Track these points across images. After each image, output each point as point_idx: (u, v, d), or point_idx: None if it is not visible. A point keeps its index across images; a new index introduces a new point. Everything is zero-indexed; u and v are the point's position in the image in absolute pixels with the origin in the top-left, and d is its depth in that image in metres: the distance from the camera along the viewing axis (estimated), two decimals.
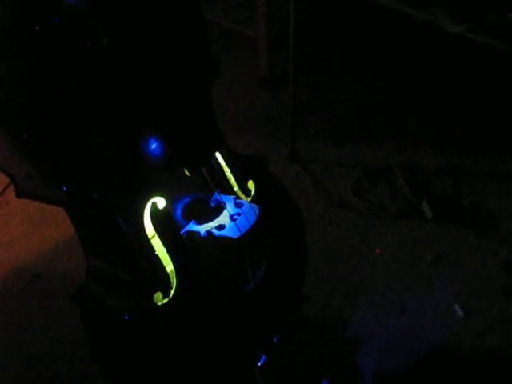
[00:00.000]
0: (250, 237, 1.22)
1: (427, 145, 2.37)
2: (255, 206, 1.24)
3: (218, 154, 1.28)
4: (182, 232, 1.22)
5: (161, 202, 1.17)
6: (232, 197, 1.26)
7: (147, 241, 1.17)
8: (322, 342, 1.78)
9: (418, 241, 2.06)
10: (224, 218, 1.23)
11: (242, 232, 1.20)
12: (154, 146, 1.14)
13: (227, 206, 1.24)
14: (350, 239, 2.05)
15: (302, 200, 2.17)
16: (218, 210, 1.24)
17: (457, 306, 1.87)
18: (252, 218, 1.22)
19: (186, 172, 1.17)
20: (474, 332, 1.80)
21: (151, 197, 1.16)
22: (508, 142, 2.37)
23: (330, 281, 1.93)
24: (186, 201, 1.24)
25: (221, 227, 1.21)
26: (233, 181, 1.31)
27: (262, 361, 1.48)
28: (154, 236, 1.18)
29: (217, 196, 1.25)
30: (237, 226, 1.20)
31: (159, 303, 1.19)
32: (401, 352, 1.77)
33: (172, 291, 1.20)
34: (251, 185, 1.34)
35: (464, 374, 1.74)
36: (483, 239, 2.05)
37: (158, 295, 1.18)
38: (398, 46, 2.68)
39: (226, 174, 1.30)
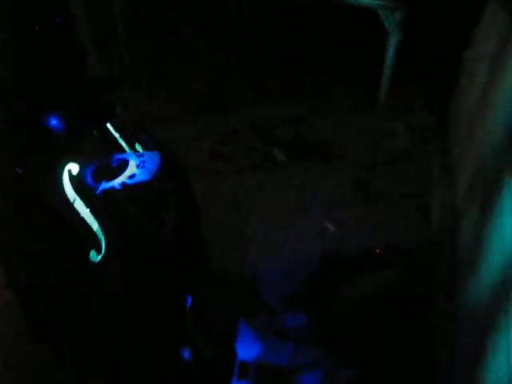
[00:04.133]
0: (159, 179, 1.37)
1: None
2: (155, 152, 1.40)
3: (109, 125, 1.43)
4: (98, 192, 1.34)
5: (75, 169, 1.30)
6: (130, 152, 1.41)
7: (70, 205, 1.29)
8: (229, 285, 1.95)
9: (279, 182, 2.33)
10: (131, 169, 1.37)
11: (152, 173, 1.35)
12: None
13: (130, 159, 1.38)
14: (222, 197, 2.26)
15: None
16: (123, 165, 1.38)
17: (328, 224, 2.16)
18: (156, 160, 1.37)
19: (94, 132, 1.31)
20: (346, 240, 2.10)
21: (66, 164, 1.28)
22: (331, 87, 2.78)
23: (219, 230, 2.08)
24: (92, 167, 1.36)
25: (132, 176, 1.35)
26: (124, 144, 1.46)
27: (188, 302, 1.63)
28: (75, 200, 1.30)
29: (117, 156, 1.39)
30: (146, 169, 1.36)
31: (95, 260, 1.30)
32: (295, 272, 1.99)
33: (103, 247, 1.32)
34: (139, 147, 1.49)
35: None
36: (333, 165, 2.39)
37: (93, 253, 1.30)
38: None
39: (118, 140, 1.45)
